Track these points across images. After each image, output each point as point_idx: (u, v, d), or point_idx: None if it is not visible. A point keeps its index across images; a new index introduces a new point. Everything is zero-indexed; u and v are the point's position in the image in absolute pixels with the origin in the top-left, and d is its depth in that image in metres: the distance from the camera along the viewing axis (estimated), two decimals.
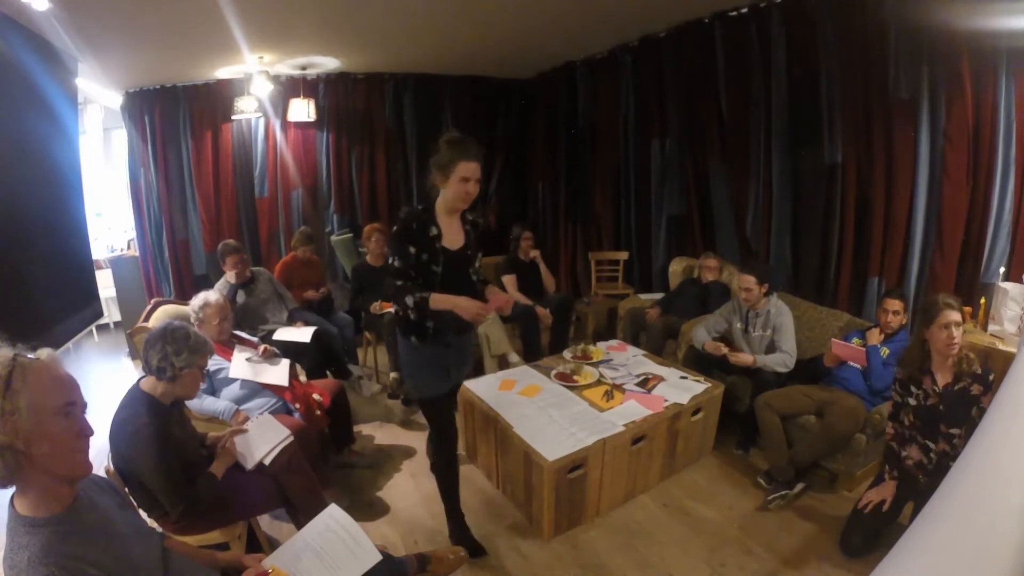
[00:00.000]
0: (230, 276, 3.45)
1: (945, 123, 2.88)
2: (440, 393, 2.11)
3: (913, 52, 2.92)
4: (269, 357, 2.59)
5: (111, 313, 5.26)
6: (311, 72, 5.08)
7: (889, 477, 2.14)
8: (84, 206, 3.94)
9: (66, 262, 3.63)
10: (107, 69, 4.13)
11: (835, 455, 2.53)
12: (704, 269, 3.91)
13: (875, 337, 2.62)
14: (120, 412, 1.73)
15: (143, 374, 1.79)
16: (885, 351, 2.58)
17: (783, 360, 2.85)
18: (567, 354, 3.19)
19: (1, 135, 2.81)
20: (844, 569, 2.09)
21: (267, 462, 1.97)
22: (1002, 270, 2.81)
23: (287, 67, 4.83)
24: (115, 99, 4.90)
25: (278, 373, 2.52)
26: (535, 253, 4.25)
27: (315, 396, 2.58)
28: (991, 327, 2.75)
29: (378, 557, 1.47)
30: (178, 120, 4.97)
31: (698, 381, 2.85)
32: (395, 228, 1.93)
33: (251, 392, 2.47)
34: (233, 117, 5.00)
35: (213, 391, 2.45)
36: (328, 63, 4.87)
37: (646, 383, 2.81)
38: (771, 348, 2.94)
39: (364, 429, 3.24)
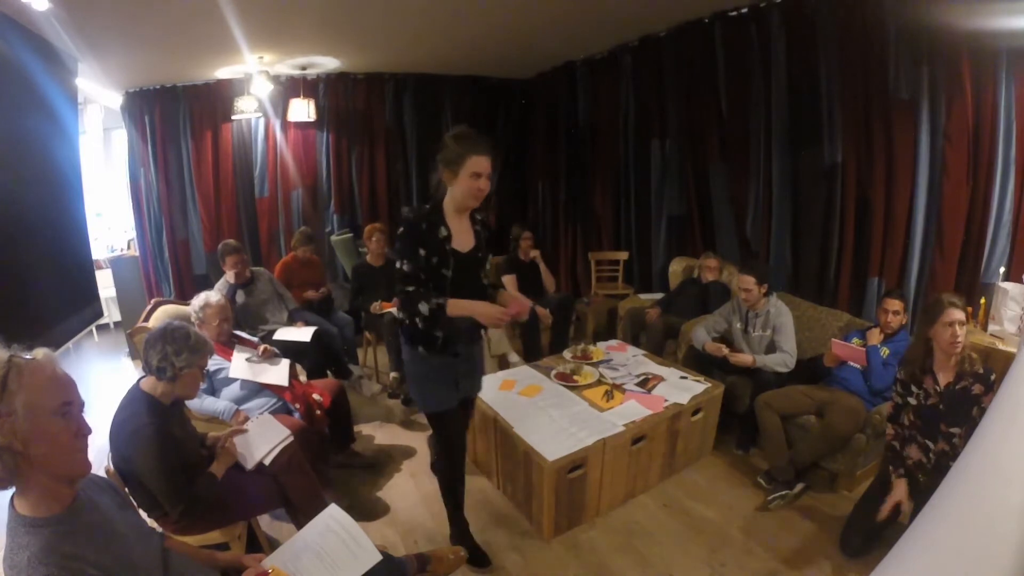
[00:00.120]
0: (230, 276, 3.45)
1: (945, 123, 2.88)
2: (450, 406, 2.00)
3: (913, 52, 2.92)
4: (269, 357, 2.59)
5: (111, 313, 5.27)
6: (311, 72, 5.08)
7: (896, 476, 2.09)
8: (84, 206, 3.94)
9: (66, 262, 3.63)
10: (107, 69, 4.13)
11: (835, 455, 2.53)
12: (704, 269, 3.91)
13: (875, 337, 2.62)
14: (120, 412, 1.73)
15: (143, 374, 1.79)
16: (885, 351, 2.58)
17: (783, 360, 2.85)
18: (567, 354, 3.19)
19: (1, 135, 2.81)
20: (844, 569, 2.09)
21: (267, 462, 1.97)
22: (1002, 270, 2.81)
23: (287, 67, 4.83)
24: (115, 99, 4.90)
25: (278, 373, 2.52)
26: (535, 253, 4.25)
27: (315, 396, 2.58)
28: (991, 327, 2.75)
29: (378, 557, 1.47)
30: (178, 120, 4.97)
31: (698, 381, 2.85)
32: (402, 229, 1.81)
33: (251, 392, 2.47)
34: (233, 117, 5.00)
35: (213, 391, 2.45)
36: (328, 63, 4.87)
37: (646, 383, 2.81)
38: (771, 348, 2.94)
39: (364, 429, 3.24)
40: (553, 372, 2.95)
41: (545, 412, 2.55)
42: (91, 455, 1.05)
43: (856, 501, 2.25)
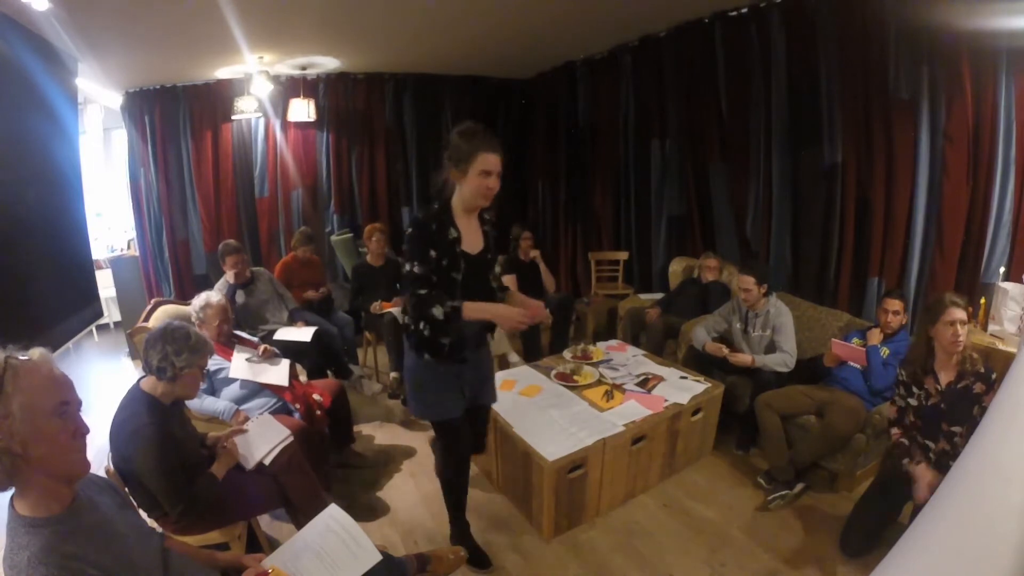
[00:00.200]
0: (230, 276, 3.45)
1: (945, 123, 2.88)
2: (457, 415, 1.94)
3: (913, 52, 2.92)
4: (269, 357, 2.59)
5: (111, 313, 5.27)
6: (311, 72, 5.08)
7: (915, 464, 2.00)
8: (84, 206, 3.94)
9: (66, 262, 3.63)
10: (107, 69, 4.13)
11: (835, 455, 2.53)
12: (704, 269, 3.91)
13: (875, 337, 2.62)
14: (120, 412, 1.73)
15: (143, 374, 1.79)
16: (885, 351, 2.58)
17: (783, 360, 2.85)
18: (567, 354, 3.19)
19: (1, 135, 2.81)
20: (844, 569, 2.09)
21: (267, 462, 1.97)
22: (1002, 270, 2.81)
23: (287, 67, 4.83)
24: (115, 99, 4.90)
25: (278, 373, 2.52)
26: (535, 253, 4.26)
27: (315, 396, 2.58)
28: (991, 327, 2.75)
29: (378, 557, 1.47)
30: (178, 120, 4.97)
31: (698, 381, 2.85)
32: (411, 230, 1.73)
33: (251, 392, 2.47)
34: (233, 117, 5.00)
35: (213, 391, 2.45)
36: (328, 63, 4.87)
37: (646, 383, 2.81)
38: (771, 348, 2.94)
39: (364, 429, 3.24)
40: (553, 372, 2.95)
41: (545, 412, 2.55)
42: (91, 455, 1.05)
43: (856, 501, 2.25)
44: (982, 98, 2.76)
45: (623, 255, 5.14)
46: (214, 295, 2.57)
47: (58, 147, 3.50)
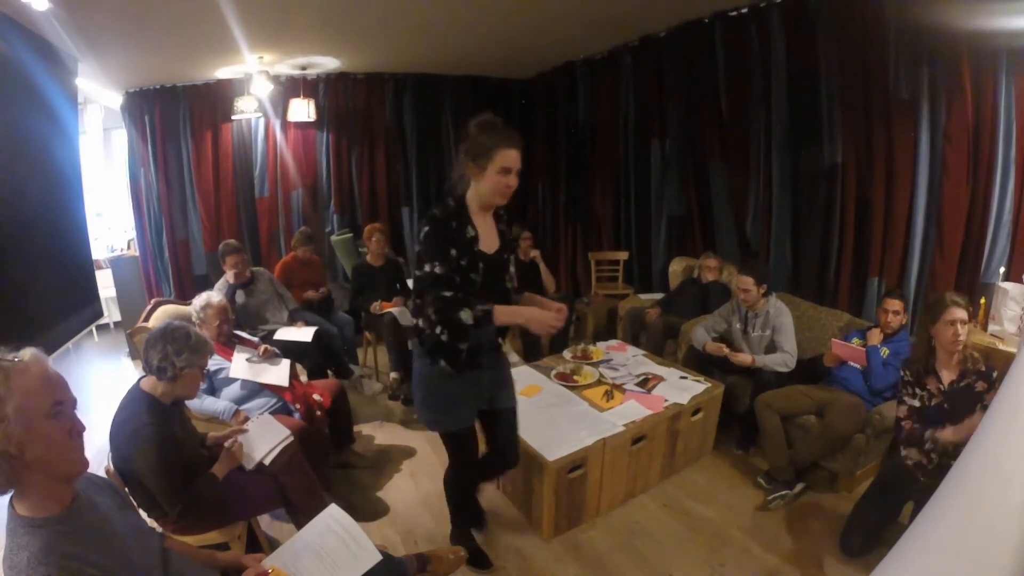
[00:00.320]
0: (230, 276, 3.45)
1: (945, 123, 2.88)
2: (469, 424, 1.85)
3: (913, 52, 2.92)
4: (269, 357, 2.59)
5: (111, 313, 5.26)
6: (311, 72, 5.08)
7: (938, 431, 1.92)
8: (84, 206, 3.94)
9: (66, 262, 3.63)
10: (107, 69, 4.13)
11: (835, 455, 2.53)
12: (704, 269, 3.91)
13: (875, 337, 2.62)
14: (120, 412, 1.73)
15: (143, 374, 1.79)
16: (885, 351, 2.58)
17: (784, 360, 2.85)
18: (567, 354, 3.19)
19: (1, 135, 2.81)
20: (844, 569, 2.09)
21: (267, 462, 1.97)
22: (1002, 270, 2.81)
23: (287, 67, 4.83)
24: (115, 99, 4.90)
25: (278, 373, 2.52)
26: (535, 253, 4.25)
27: (315, 396, 2.58)
28: (991, 327, 2.75)
29: (378, 557, 1.47)
30: (178, 120, 4.97)
31: (698, 381, 2.85)
32: (429, 228, 1.63)
33: (251, 392, 2.47)
34: (233, 117, 5.00)
35: (213, 391, 2.45)
36: (328, 63, 4.87)
37: (646, 383, 2.81)
38: (771, 348, 2.94)
39: (364, 429, 3.24)
40: (553, 372, 2.95)
41: (545, 412, 2.55)
42: (91, 455, 1.04)
43: (856, 501, 2.25)
44: (982, 98, 2.76)
45: (623, 255, 5.14)
46: (215, 295, 2.57)
47: (58, 147, 3.50)
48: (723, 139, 4.10)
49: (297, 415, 2.44)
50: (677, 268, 4.40)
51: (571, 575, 2.13)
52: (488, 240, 1.73)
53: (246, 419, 2.25)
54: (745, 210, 4.00)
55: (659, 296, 4.27)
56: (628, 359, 3.17)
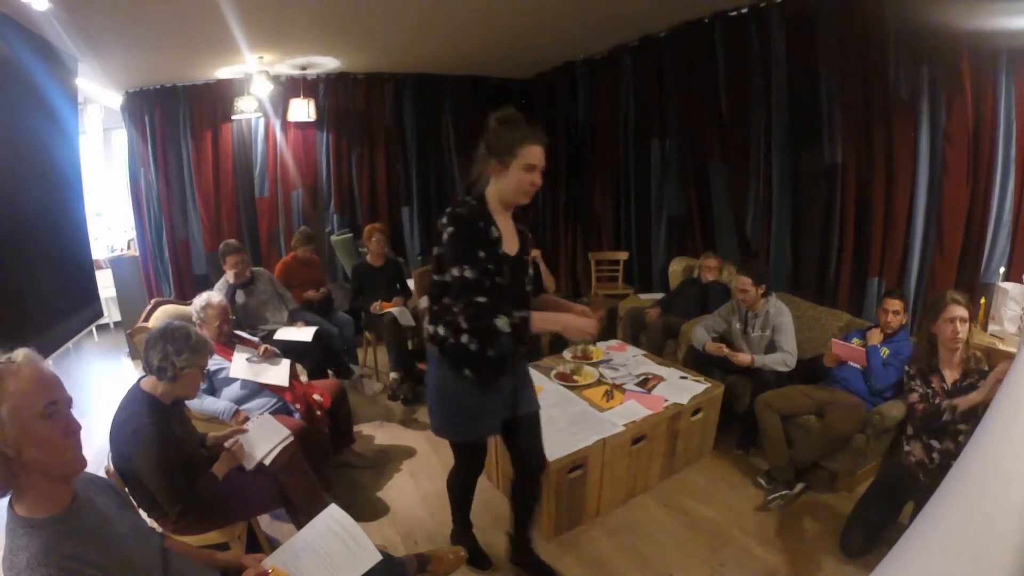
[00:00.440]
0: (230, 276, 3.45)
1: (945, 123, 2.88)
2: (495, 434, 1.79)
3: (913, 52, 2.92)
4: (269, 357, 2.59)
5: (111, 313, 5.26)
6: (311, 72, 5.08)
7: (956, 401, 1.92)
8: (84, 206, 3.94)
9: (66, 262, 3.63)
10: (107, 69, 4.13)
11: (835, 455, 2.53)
12: (704, 269, 3.91)
13: (875, 337, 2.62)
14: (120, 412, 1.73)
15: (143, 374, 1.79)
16: (885, 351, 2.58)
17: (783, 359, 2.85)
18: (567, 354, 3.18)
19: (1, 135, 2.81)
20: (844, 569, 2.09)
21: (267, 462, 1.97)
22: (1002, 270, 2.81)
23: (287, 67, 4.83)
24: (115, 99, 4.90)
25: (278, 373, 2.52)
26: (535, 253, 4.23)
27: (315, 396, 2.58)
28: (991, 327, 2.75)
29: (378, 557, 1.47)
30: (178, 120, 4.97)
31: (698, 381, 2.85)
32: (455, 228, 1.54)
33: (251, 392, 2.47)
34: (233, 117, 5.00)
35: (213, 391, 2.45)
36: (328, 63, 4.87)
37: (646, 383, 2.81)
38: (770, 348, 2.94)
39: (364, 429, 3.24)
40: (553, 372, 2.95)
41: (545, 412, 2.52)
42: (91, 455, 1.04)
43: (856, 501, 2.25)
44: (982, 98, 2.76)
45: (623, 255, 5.14)
46: (215, 295, 2.57)
47: (58, 147, 3.50)
48: (723, 139, 4.10)
49: (297, 415, 2.44)
50: (677, 268, 4.40)
51: (571, 575, 2.13)
52: (510, 241, 1.65)
53: (246, 419, 2.25)
54: (745, 210, 4.00)
55: (659, 296, 4.27)
56: (628, 359, 3.17)
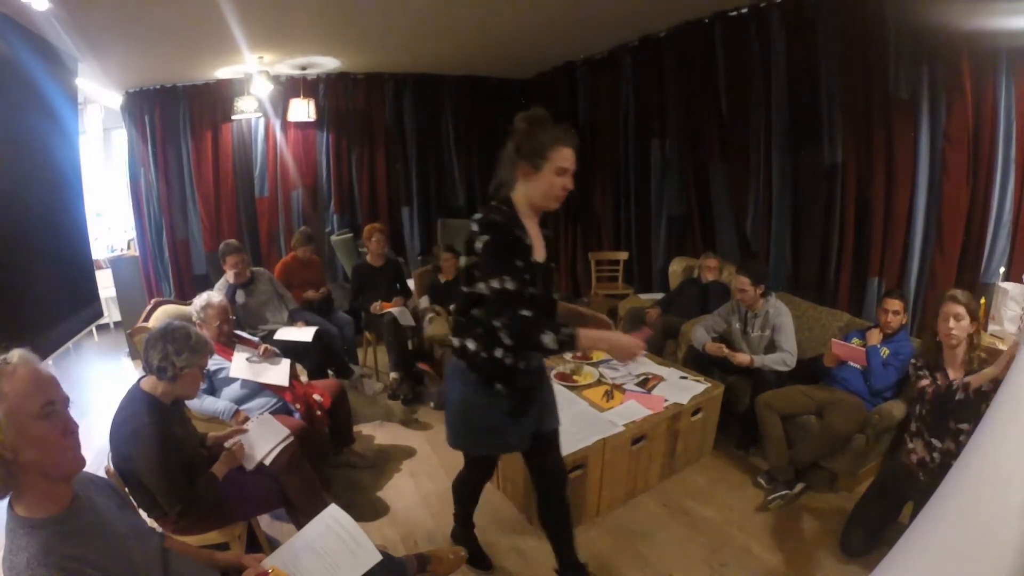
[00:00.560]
0: (230, 276, 3.44)
1: (945, 123, 2.88)
2: (524, 449, 1.73)
3: (913, 52, 2.92)
4: (269, 357, 2.59)
5: (111, 313, 5.26)
6: (311, 72, 5.08)
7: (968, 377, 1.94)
8: (84, 206, 3.95)
9: (66, 262, 3.63)
10: (107, 69, 4.13)
11: (835, 455, 2.53)
12: (704, 269, 3.91)
13: (875, 337, 2.62)
14: (120, 412, 1.73)
15: (143, 374, 1.79)
16: (885, 351, 2.58)
17: (783, 359, 2.85)
18: (567, 354, 3.18)
19: (1, 135, 2.81)
20: (844, 569, 2.09)
21: (267, 462, 1.97)
22: (1002, 270, 2.80)
23: (287, 67, 4.83)
24: (115, 99, 4.90)
25: (278, 373, 2.52)
26: None
27: (315, 396, 2.57)
28: (991, 327, 2.75)
29: (378, 557, 1.47)
30: (178, 120, 4.98)
31: (698, 381, 2.85)
32: (492, 236, 1.45)
33: (251, 392, 2.47)
34: (233, 117, 5.01)
35: (213, 391, 2.45)
36: (328, 63, 4.87)
37: (646, 383, 2.81)
38: (770, 348, 2.94)
39: (364, 429, 3.24)
40: (553, 372, 2.95)
41: None
42: (91, 455, 1.04)
43: (856, 501, 2.25)
44: (982, 98, 2.76)
45: (623, 255, 5.14)
46: (215, 295, 2.57)
47: (58, 147, 3.50)
48: (723, 139, 4.10)
49: (297, 415, 2.44)
50: (677, 268, 4.40)
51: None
52: (539, 248, 1.57)
53: (246, 419, 2.25)
54: (745, 210, 4.00)
55: (659, 296, 4.27)
56: None
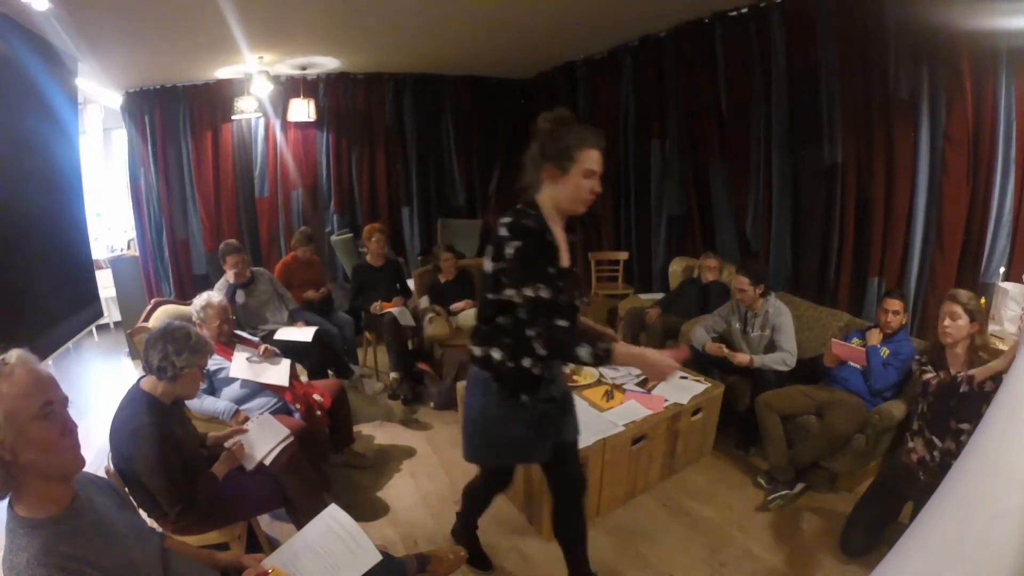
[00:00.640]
0: (230, 276, 3.44)
1: (945, 123, 2.88)
2: (545, 460, 1.68)
3: (913, 52, 2.92)
4: (269, 357, 2.59)
5: (111, 313, 5.26)
6: (311, 72, 5.08)
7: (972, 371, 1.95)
8: (84, 206, 3.94)
9: (66, 262, 3.63)
10: (107, 69, 4.13)
11: (835, 455, 2.53)
12: (704, 269, 3.91)
13: (875, 337, 2.62)
14: (120, 412, 1.73)
15: (143, 374, 1.79)
16: (885, 351, 2.58)
17: (783, 359, 2.85)
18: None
19: (1, 135, 2.81)
20: (844, 569, 2.09)
21: (267, 462, 1.97)
22: (1002, 270, 2.80)
23: (287, 67, 4.83)
24: (115, 99, 4.90)
25: (278, 373, 2.51)
26: None
27: (315, 396, 2.57)
28: (991, 327, 2.75)
29: (378, 557, 1.47)
30: (178, 120, 4.98)
31: (698, 381, 2.85)
32: (524, 242, 1.39)
33: (251, 392, 2.47)
34: (233, 117, 5.01)
35: (213, 391, 2.45)
36: (328, 63, 4.87)
37: (646, 383, 2.81)
38: (770, 348, 2.94)
39: (364, 429, 3.24)
40: None
41: None
42: (91, 455, 1.04)
43: (856, 501, 2.25)
44: (982, 98, 2.75)
45: (623, 255, 5.14)
46: (215, 295, 2.57)
47: (58, 147, 3.50)
48: (723, 139, 4.10)
49: (297, 415, 2.44)
50: (677, 268, 4.40)
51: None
52: (564, 252, 1.52)
53: (246, 419, 2.25)
54: (745, 210, 4.00)
55: (659, 296, 4.27)
56: None
